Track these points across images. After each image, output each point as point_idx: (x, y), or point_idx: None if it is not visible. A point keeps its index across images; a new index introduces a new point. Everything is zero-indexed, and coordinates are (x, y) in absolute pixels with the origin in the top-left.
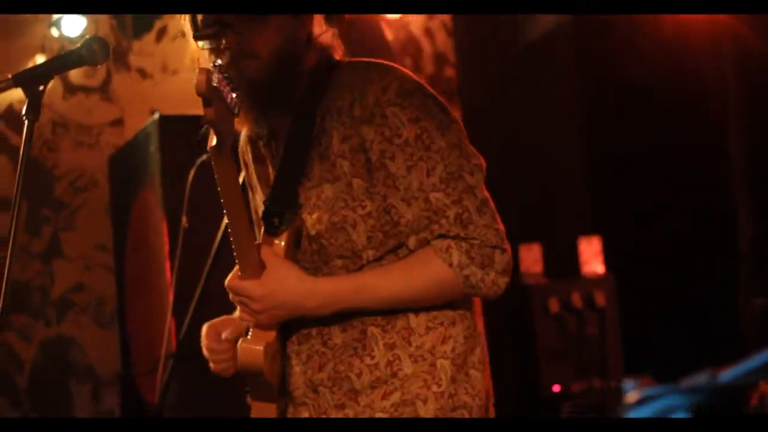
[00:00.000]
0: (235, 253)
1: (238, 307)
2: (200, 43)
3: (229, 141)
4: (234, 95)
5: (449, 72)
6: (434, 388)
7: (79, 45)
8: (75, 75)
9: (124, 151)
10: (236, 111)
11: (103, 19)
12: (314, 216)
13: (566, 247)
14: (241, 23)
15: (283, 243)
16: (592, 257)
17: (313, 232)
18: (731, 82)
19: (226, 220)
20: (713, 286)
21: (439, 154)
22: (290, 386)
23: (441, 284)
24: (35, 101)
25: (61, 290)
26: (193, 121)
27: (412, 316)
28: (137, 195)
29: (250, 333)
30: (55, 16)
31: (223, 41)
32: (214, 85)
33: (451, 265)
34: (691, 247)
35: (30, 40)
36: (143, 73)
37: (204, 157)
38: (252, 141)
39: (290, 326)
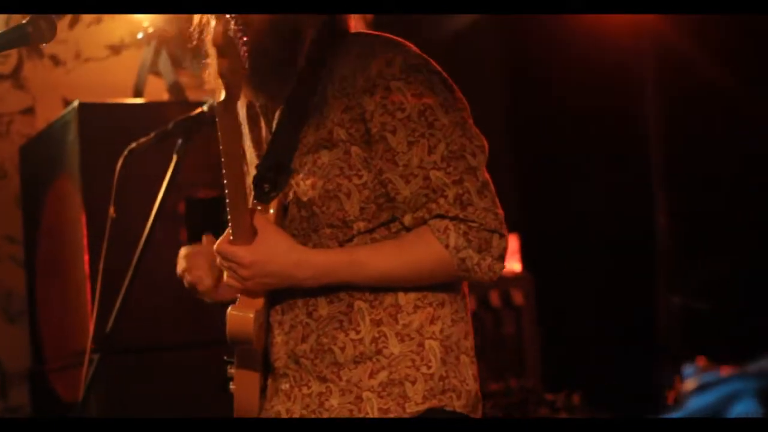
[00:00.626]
0: (228, 217)
1: (225, 273)
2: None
3: (237, 97)
4: (245, 49)
5: None
6: (423, 369)
7: (24, 22)
8: None
9: (36, 140)
10: (247, 66)
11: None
12: (308, 182)
13: None
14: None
15: (272, 210)
16: (509, 255)
17: (305, 199)
18: (650, 80)
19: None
20: (631, 284)
21: (442, 131)
22: (272, 356)
23: (436, 265)
24: None
25: None
26: (114, 110)
27: (401, 294)
28: (51, 185)
29: (237, 299)
30: None
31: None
32: (230, 35)
33: (447, 246)
34: (609, 245)
35: None
36: (56, 60)
37: (133, 145)
38: (249, 104)
39: (275, 295)
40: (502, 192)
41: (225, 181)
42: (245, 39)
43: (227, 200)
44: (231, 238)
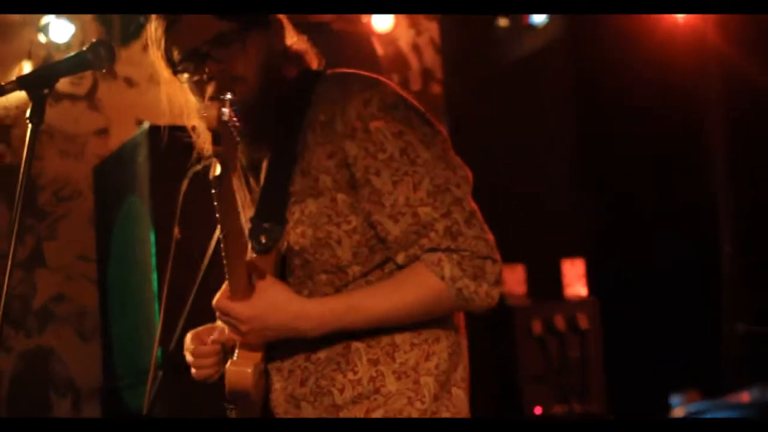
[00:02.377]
0: (226, 274)
1: (226, 327)
2: (183, 78)
3: (232, 171)
4: (237, 125)
5: (436, 89)
6: (417, 405)
7: (85, 48)
8: (61, 82)
9: (109, 160)
10: (238, 143)
11: (91, 26)
12: (298, 231)
13: (550, 269)
14: (218, 50)
15: (270, 261)
16: (575, 279)
17: (297, 248)
18: (717, 104)
19: (216, 236)
20: (695, 310)
21: (425, 167)
22: (271, 403)
23: (434, 298)
24: (39, 105)
25: (42, 300)
26: (184, 131)
27: (396, 333)
28: (122, 205)
29: (236, 354)
30: (43, 22)
31: (206, 71)
32: (224, 119)
33: (443, 278)
34: (674, 271)
35: (17, 46)
36: (130, 82)
37: (197, 167)
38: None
39: (273, 343)
40: (568, 217)
41: (221, 241)
42: (236, 120)
43: (224, 260)
44: (229, 293)
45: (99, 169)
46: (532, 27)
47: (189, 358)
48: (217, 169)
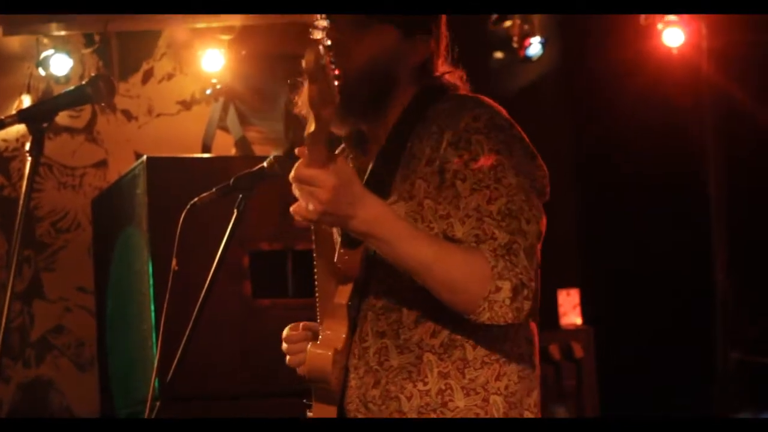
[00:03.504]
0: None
1: (295, 204)
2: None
3: (326, 129)
4: (336, 82)
5: None
6: None
7: (84, 82)
8: (60, 115)
9: (108, 193)
10: (335, 100)
11: (90, 60)
12: None
13: (545, 299)
14: (344, 23)
15: (356, 255)
16: (570, 309)
17: None
18: (711, 138)
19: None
20: (690, 339)
21: (507, 189)
22: (345, 399)
23: (473, 278)
24: (38, 138)
25: (41, 332)
26: (181, 164)
27: (468, 348)
28: (120, 237)
29: (320, 338)
30: (42, 56)
31: (325, 33)
32: (322, 63)
33: (494, 268)
34: (669, 300)
35: (17, 79)
36: (128, 115)
37: (195, 200)
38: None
39: (350, 341)
40: (564, 247)
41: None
42: (337, 72)
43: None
44: (307, 163)
45: (97, 201)
46: (527, 59)
47: (284, 346)
48: (312, 125)
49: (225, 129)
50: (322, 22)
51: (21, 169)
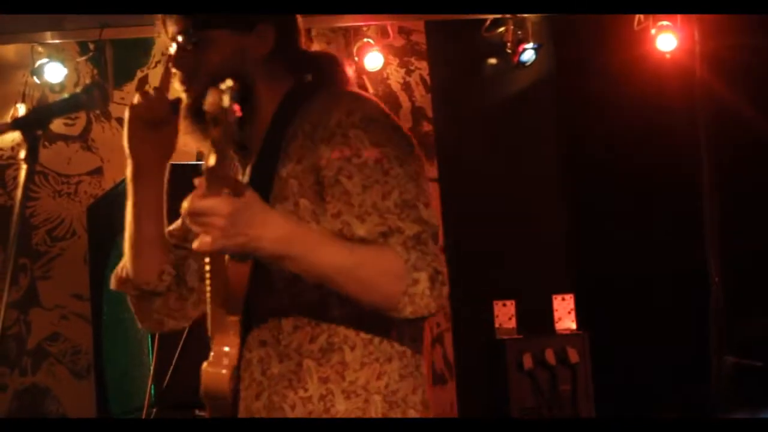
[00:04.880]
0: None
1: (197, 241)
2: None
3: (228, 164)
4: (237, 115)
5: (426, 127)
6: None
7: (79, 90)
8: (55, 123)
9: (103, 200)
10: (237, 135)
11: (85, 67)
12: None
13: (540, 304)
14: (185, 41)
15: (246, 267)
16: (565, 314)
17: None
18: (703, 140)
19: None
20: (685, 343)
21: (396, 180)
22: (238, 411)
23: (387, 276)
24: (33, 146)
25: (37, 340)
26: (176, 171)
27: (347, 350)
28: (116, 245)
29: (211, 354)
30: (37, 64)
31: (177, 57)
32: (225, 106)
33: (407, 261)
34: (663, 303)
35: (11, 88)
36: (123, 123)
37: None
38: None
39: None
40: (558, 253)
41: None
42: (236, 107)
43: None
44: (204, 191)
45: (93, 208)
46: (520, 64)
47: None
48: (212, 159)
49: None
50: (170, 49)
51: (16, 178)
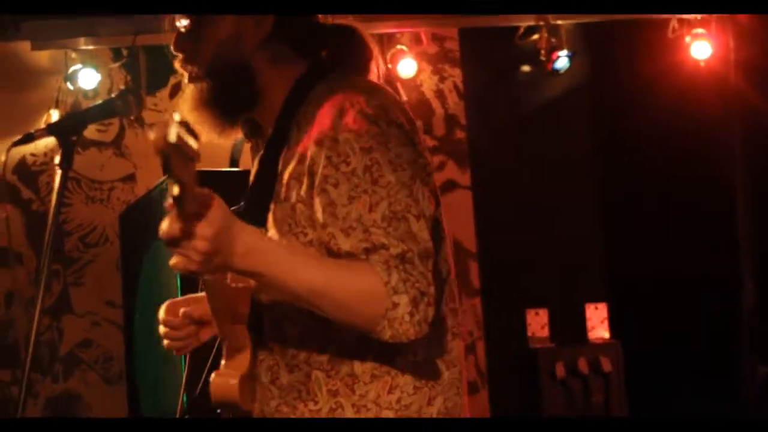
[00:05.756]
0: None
1: (175, 258)
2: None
3: (193, 186)
4: (195, 144)
5: (460, 135)
6: None
7: (113, 96)
8: (88, 129)
9: (136, 207)
10: (197, 158)
11: (118, 74)
12: (270, 234)
13: (573, 313)
14: (188, 28)
15: None
16: (598, 323)
17: None
18: (738, 149)
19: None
20: (718, 354)
21: (386, 190)
22: (253, 412)
23: (366, 297)
24: (69, 151)
25: (69, 346)
26: (209, 177)
27: (357, 363)
28: (149, 252)
29: (222, 364)
30: (70, 70)
31: (176, 40)
32: (171, 141)
33: (387, 283)
34: (697, 313)
35: (44, 93)
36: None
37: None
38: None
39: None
40: (591, 261)
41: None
42: (192, 135)
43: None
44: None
45: (125, 215)
46: (554, 72)
47: (161, 328)
48: (175, 190)
49: None
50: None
51: (49, 183)
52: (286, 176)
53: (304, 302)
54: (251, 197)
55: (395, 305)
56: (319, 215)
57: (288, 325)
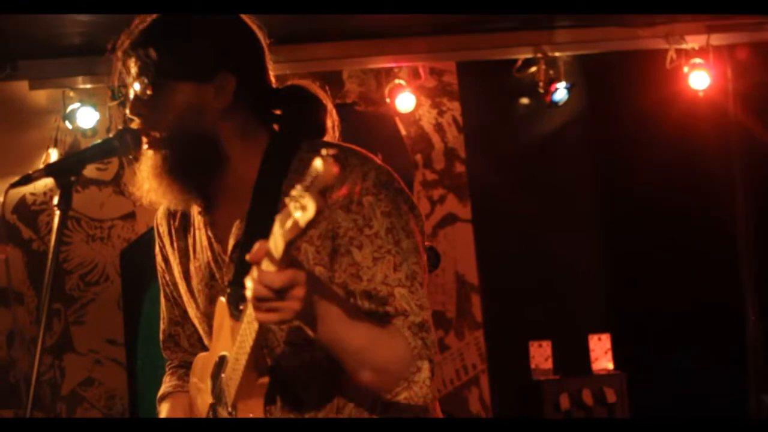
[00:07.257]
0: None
1: (265, 314)
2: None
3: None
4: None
5: (459, 168)
6: None
7: (111, 136)
8: (87, 168)
9: (136, 244)
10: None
11: (117, 112)
12: None
13: (577, 344)
14: (147, 87)
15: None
16: (602, 354)
17: None
18: (739, 181)
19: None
20: (723, 383)
21: (406, 253)
22: None
23: (397, 359)
24: (66, 192)
25: (71, 385)
26: None
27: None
28: (149, 289)
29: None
30: (69, 109)
31: (133, 104)
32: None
33: (413, 348)
34: (700, 343)
35: (43, 133)
36: None
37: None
38: (171, 214)
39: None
40: (594, 293)
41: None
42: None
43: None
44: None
45: (126, 252)
46: (552, 104)
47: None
48: (281, 250)
49: None
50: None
51: (49, 223)
52: (297, 241)
53: (344, 356)
54: (241, 267)
55: (419, 369)
56: (338, 275)
57: (305, 385)
